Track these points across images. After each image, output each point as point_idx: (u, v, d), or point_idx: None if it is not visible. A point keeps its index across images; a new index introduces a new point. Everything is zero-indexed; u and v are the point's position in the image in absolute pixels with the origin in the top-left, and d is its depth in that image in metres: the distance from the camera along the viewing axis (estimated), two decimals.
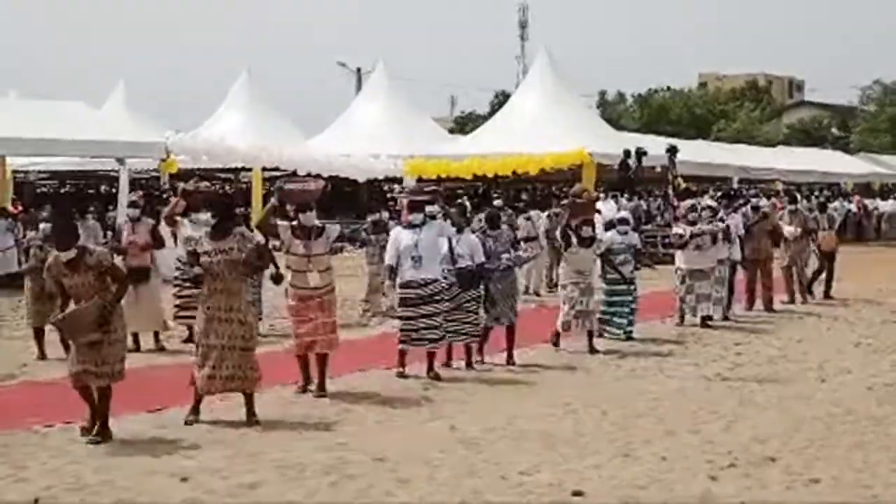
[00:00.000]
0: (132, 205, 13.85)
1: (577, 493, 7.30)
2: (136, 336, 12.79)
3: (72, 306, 8.58)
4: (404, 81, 39.38)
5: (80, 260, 8.50)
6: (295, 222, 10.42)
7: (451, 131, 47.49)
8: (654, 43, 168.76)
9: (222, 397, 9.59)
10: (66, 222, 9.30)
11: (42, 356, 12.37)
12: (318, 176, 32.70)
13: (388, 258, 11.50)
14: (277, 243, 10.64)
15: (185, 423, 9.09)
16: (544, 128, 28.65)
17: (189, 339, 12.40)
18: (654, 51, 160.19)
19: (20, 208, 24.49)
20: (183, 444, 8.50)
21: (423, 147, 30.68)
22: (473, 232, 12.39)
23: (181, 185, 13.98)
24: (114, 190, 28.61)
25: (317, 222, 10.50)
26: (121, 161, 23.28)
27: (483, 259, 11.88)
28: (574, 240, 13.13)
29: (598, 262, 13.83)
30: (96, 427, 8.58)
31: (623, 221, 14.63)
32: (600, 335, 13.65)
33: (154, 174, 27.23)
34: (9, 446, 8.34)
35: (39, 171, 35.96)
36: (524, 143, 27.72)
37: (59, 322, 8.78)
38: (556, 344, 13.31)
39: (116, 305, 8.60)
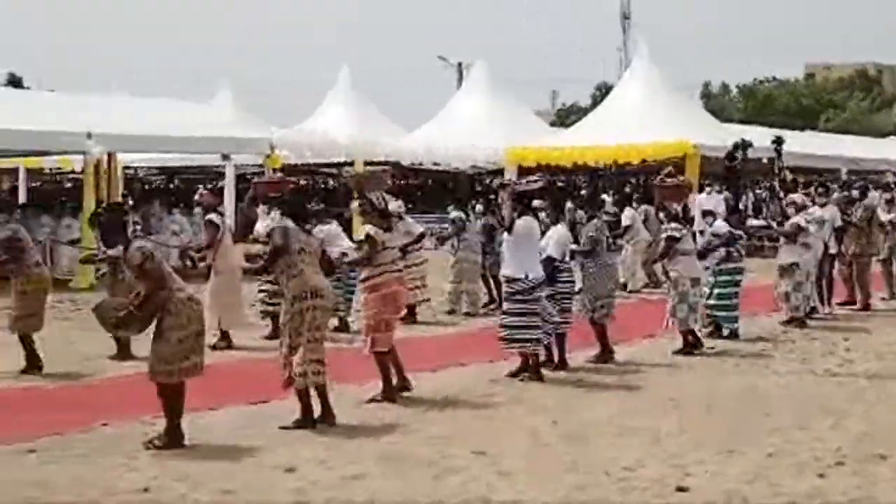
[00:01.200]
0: (197, 204, 13.49)
1: (681, 489, 7.23)
2: (225, 333, 12.92)
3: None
4: (505, 75, 39.31)
5: (125, 257, 8.43)
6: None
7: (553, 125, 47.31)
8: (759, 33, 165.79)
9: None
10: (112, 220, 9.06)
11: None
12: (416, 170, 32.98)
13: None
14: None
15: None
16: (646, 119, 28.32)
17: (273, 335, 12.28)
18: (760, 41, 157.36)
19: (131, 203, 25.10)
20: (285, 437, 8.61)
21: (524, 141, 30.58)
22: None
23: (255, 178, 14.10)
24: (220, 185, 29.10)
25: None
26: (227, 157, 23.66)
27: (551, 253, 11.31)
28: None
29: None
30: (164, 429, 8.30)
31: (708, 213, 14.21)
32: (711, 330, 13.40)
33: (259, 169, 27.63)
34: (122, 437, 8.54)
35: (149, 167, 36.70)
36: (626, 135, 27.44)
37: (93, 308, 8.61)
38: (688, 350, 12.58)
39: (143, 308, 8.16)
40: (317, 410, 8.98)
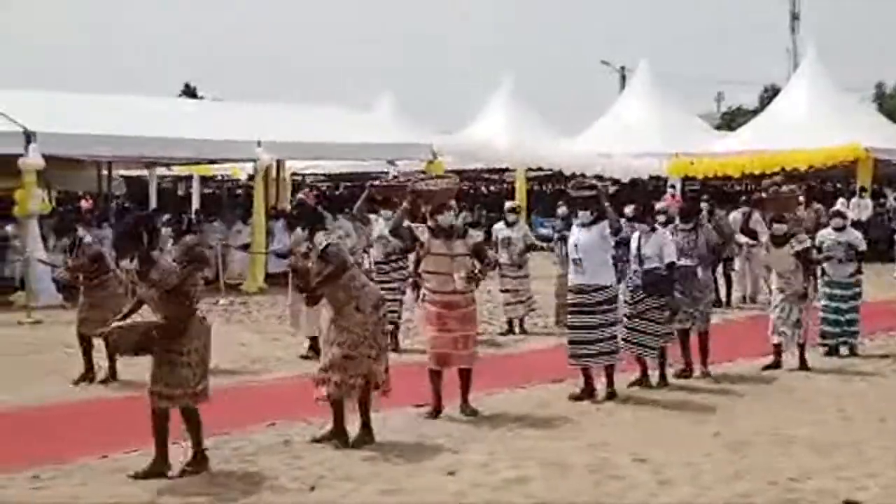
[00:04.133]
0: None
1: (850, 502, 7.01)
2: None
3: (135, 317, 7.94)
4: (669, 78, 38.77)
5: (146, 272, 7.68)
6: (431, 223, 9.64)
7: (718, 127, 46.36)
8: None
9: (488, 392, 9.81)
10: (125, 229, 8.16)
11: None
12: (569, 176, 32.81)
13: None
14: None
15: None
16: (816, 122, 27.62)
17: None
18: None
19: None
20: (447, 440, 8.69)
21: (688, 145, 30.14)
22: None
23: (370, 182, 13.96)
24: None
25: (457, 223, 9.88)
26: (391, 163, 24.03)
27: (674, 259, 10.80)
28: (765, 239, 12.05)
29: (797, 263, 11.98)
30: (191, 454, 7.82)
31: (838, 215, 13.08)
32: (828, 350, 12.46)
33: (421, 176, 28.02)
34: (290, 438, 8.74)
35: (315, 174, 37.53)
36: (794, 139, 26.79)
37: (106, 332, 8.00)
38: (775, 366, 11.83)
39: (170, 331, 7.65)
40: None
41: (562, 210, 15.87)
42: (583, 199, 10.23)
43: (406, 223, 9.86)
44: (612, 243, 10.50)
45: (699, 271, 11.50)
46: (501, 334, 14.42)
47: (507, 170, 32.78)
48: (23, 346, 12.88)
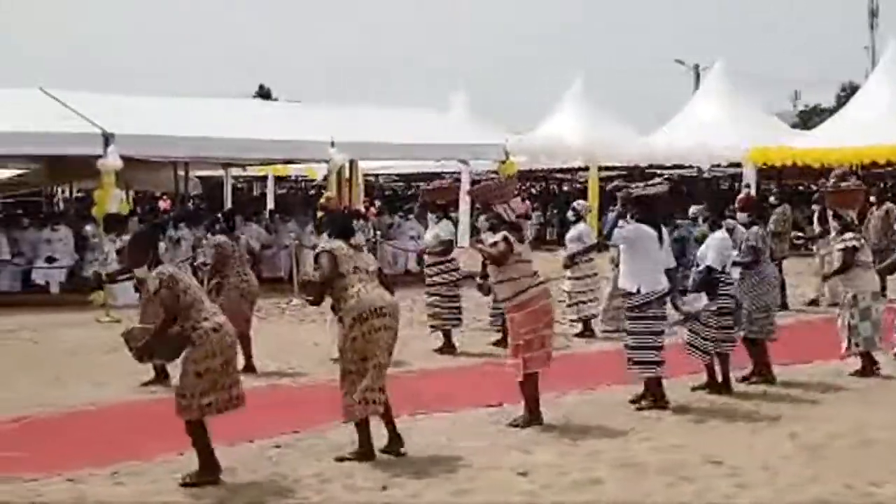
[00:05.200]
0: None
1: None
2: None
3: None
4: (744, 77, 38.16)
5: (146, 279, 7.68)
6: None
7: (794, 126, 45.70)
8: None
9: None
10: (139, 237, 8.07)
11: None
12: (651, 174, 32.53)
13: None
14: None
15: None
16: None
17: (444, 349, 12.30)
18: None
19: (372, 210, 25.92)
20: (521, 440, 8.68)
21: (763, 143, 29.71)
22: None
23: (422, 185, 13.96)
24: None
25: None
26: (464, 163, 24.07)
27: (712, 264, 10.42)
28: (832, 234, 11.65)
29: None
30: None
31: None
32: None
33: (493, 175, 27.97)
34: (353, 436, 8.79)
35: (388, 174, 37.72)
36: (875, 136, 26.27)
37: (125, 333, 7.82)
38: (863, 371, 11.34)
39: (160, 338, 7.52)
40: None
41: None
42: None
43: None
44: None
45: (752, 276, 11.07)
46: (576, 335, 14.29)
47: (580, 169, 32.61)
48: (102, 344, 13.10)
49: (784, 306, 16.30)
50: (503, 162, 23.93)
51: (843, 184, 12.27)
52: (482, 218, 11.19)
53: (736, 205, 11.71)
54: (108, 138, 18.35)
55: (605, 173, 30.73)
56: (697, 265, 10.54)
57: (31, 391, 10.81)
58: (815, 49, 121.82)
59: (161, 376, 11.06)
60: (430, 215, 13.61)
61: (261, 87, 63.30)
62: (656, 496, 7.22)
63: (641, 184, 10.63)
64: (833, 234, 11.88)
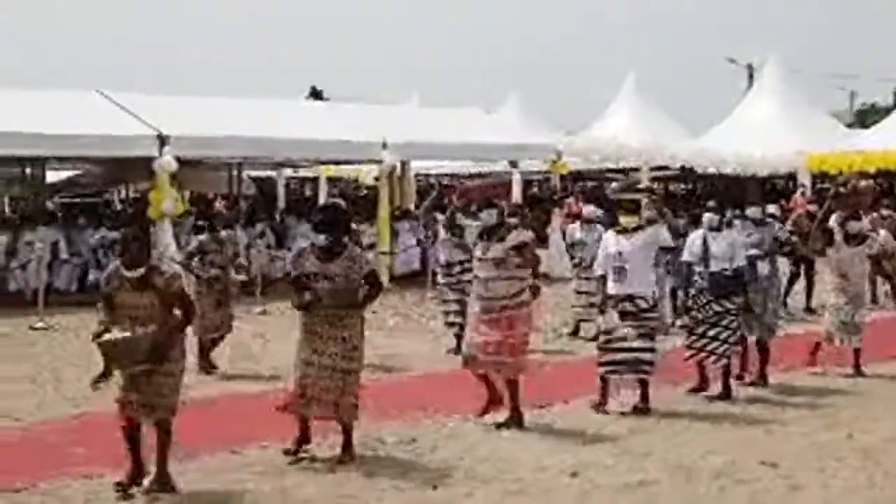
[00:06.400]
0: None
1: None
2: None
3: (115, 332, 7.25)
4: (798, 75, 37.75)
5: (149, 278, 7.30)
6: (482, 221, 9.35)
7: (850, 125, 45.15)
8: None
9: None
10: (135, 236, 7.62)
11: None
12: (701, 175, 32.32)
13: (597, 265, 9.97)
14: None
15: (285, 452, 8.15)
16: None
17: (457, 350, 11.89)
18: None
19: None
20: (572, 440, 8.68)
21: (818, 143, 29.40)
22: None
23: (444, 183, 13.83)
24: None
25: (507, 222, 9.36)
26: (514, 163, 24.06)
27: (744, 262, 10.26)
28: (838, 238, 11.38)
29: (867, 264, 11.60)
30: (154, 474, 7.36)
31: None
32: None
33: (546, 175, 27.91)
34: (416, 436, 8.81)
35: (439, 175, 37.74)
36: None
37: (105, 346, 7.27)
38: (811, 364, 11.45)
39: (179, 336, 7.42)
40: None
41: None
42: (628, 203, 9.81)
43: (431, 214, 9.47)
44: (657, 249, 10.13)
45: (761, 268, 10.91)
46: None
47: (631, 169, 32.47)
48: None
49: (810, 309, 16.08)
50: (554, 162, 23.88)
51: (861, 184, 12.28)
52: (513, 218, 10.99)
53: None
54: (163, 140, 18.56)
55: (657, 173, 30.56)
56: (707, 264, 10.14)
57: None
58: (871, 46, 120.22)
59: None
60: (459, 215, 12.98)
61: (313, 87, 63.60)
62: (708, 499, 7.18)
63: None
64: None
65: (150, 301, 7.27)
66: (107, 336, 7.27)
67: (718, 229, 10.20)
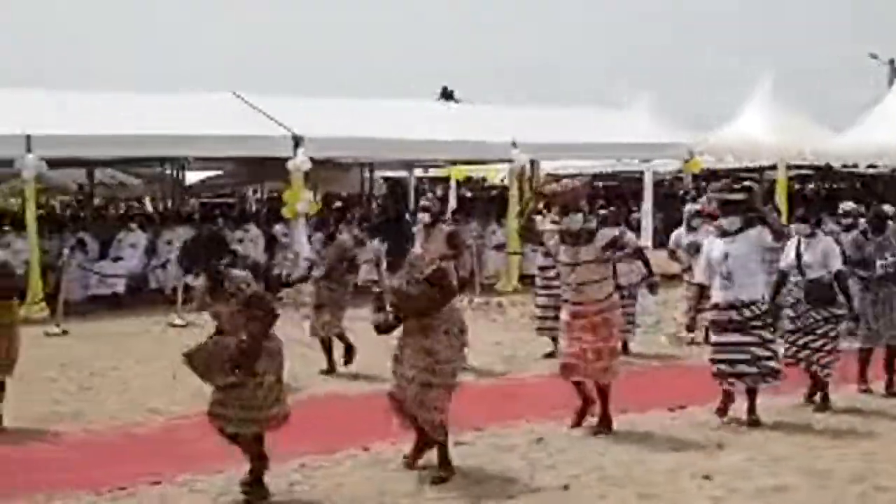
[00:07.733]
0: (424, 209, 11.97)
1: None
2: None
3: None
4: None
5: (219, 286, 7.08)
6: (563, 226, 8.95)
7: None
8: None
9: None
10: (197, 243, 7.45)
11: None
12: (845, 174, 31.44)
13: (698, 272, 9.66)
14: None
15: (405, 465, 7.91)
16: None
17: (552, 354, 11.73)
18: None
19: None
20: (705, 444, 8.54)
21: None
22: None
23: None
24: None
25: (588, 226, 8.93)
26: (646, 162, 23.81)
27: (840, 266, 9.77)
28: None
29: None
30: (247, 479, 7.18)
31: None
32: None
33: (678, 175, 27.54)
34: (544, 436, 8.78)
35: (570, 174, 37.56)
36: None
37: (187, 356, 7.14)
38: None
39: (260, 344, 6.96)
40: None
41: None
42: (729, 204, 9.29)
43: (534, 225, 9.43)
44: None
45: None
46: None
47: (767, 168, 31.77)
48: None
49: None
50: (687, 161, 23.56)
51: None
52: (548, 222, 10.90)
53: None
54: (297, 141, 18.91)
55: (794, 172, 29.84)
56: (802, 272, 9.79)
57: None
58: None
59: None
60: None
61: (444, 88, 63.97)
62: None
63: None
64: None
65: (229, 310, 7.03)
66: (191, 346, 7.13)
67: (779, 237, 9.47)
